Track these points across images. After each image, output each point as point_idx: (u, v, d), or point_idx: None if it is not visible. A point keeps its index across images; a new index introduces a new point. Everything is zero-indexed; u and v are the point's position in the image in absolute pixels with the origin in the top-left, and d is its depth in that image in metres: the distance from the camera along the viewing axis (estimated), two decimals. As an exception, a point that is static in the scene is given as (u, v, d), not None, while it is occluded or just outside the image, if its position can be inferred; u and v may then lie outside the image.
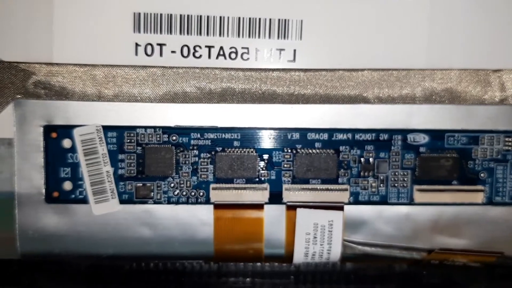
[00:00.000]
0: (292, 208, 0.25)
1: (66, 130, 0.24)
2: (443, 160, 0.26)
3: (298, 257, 0.25)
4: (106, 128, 0.24)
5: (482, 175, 0.26)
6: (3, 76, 0.23)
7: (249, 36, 0.24)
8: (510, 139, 0.26)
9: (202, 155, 0.25)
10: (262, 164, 0.25)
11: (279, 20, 0.24)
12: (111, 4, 0.24)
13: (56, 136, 0.24)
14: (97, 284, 0.26)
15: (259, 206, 0.25)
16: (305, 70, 0.25)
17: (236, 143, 0.25)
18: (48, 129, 0.24)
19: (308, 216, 0.25)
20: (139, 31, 0.24)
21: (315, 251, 0.25)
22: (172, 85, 0.24)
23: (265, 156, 0.25)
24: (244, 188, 0.25)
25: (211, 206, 0.25)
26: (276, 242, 0.26)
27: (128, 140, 0.24)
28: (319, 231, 0.25)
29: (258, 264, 0.26)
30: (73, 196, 0.24)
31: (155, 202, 0.25)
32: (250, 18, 0.24)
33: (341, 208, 0.25)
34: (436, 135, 0.25)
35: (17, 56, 0.24)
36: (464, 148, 0.26)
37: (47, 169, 0.24)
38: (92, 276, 0.26)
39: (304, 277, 0.27)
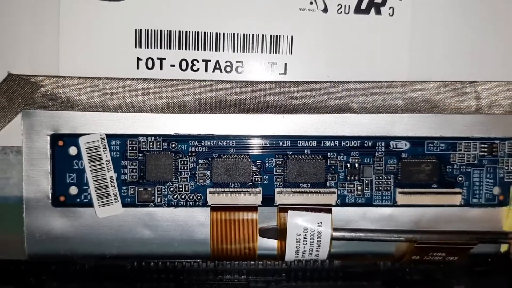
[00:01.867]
0: (283, 210, 0.27)
1: (72, 139, 0.26)
2: (424, 165, 0.28)
3: (290, 255, 0.27)
4: (110, 137, 0.26)
5: (460, 178, 0.28)
6: (12, 88, 0.25)
7: (243, 51, 0.26)
8: (485, 146, 0.28)
9: (199, 161, 0.27)
10: (255, 169, 0.27)
11: (271, 36, 0.26)
12: (115, 21, 0.25)
13: (62, 144, 0.26)
14: (101, 282, 0.28)
15: (253, 209, 0.27)
16: (296, 82, 0.26)
17: (231, 150, 0.27)
18: (55, 138, 0.26)
19: (298, 217, 0.26)
20: (141, 46, 0.26)
21: (305, 249, 0.27)
22: (172, 96, 0.26)
23: (258, 162, 0.27)
24: (239, 192, 0.27)
25: (208, 209, 0.27)
26: (269, 242, 0.27)
27: (130, 148, 0.26)
28: (309, 232, 0.26)
29: (252, 262, 0.28)
30: (78, 200, 0.26)
31: (155, 205, 0.27)
32: (244, 34, 0.26)
33: (329, 211, 0.27)
34: (417, 142, 0.27)
35: (26, 69, 0.25)
36: (443, 154, 0.28)
37: (54, 175, 0.26)
38: (96, 275, 0.27)
39: (295, 274, 0.29)
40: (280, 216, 0.27)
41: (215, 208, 0.27)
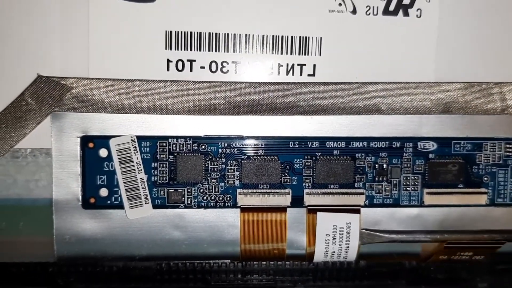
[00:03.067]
0: (312, 211, 0.27)
1: (102, 140, 0.26)
2: (450, 165, 0.28)
3: (319, 256, 0.27)
4: (140, 138, 0.26)
5: (485, 178, 0.28)
6: (41, 90, 0.25)
7: (273, 53, 0.26)
8: (510, 146, 0.28)
9: (229, 162, 0.27)
10: (284, 170, 0.27)
11: (300, 37, 0.26)
12: (145, 23, 0.25)
13: (93, 146, 0.26)
14: (129, 283, 0.28)
15: (282, 209, 0.27)
16: (324, 84, 0.27)
17: (260, 151, 0.27)
18: (85, 140, 0.26)
19: (327, 219, 0.27)
20: (171, 48, 0.26)
21: (334, 250, 0.27)
22: (202, 98, 0.26)
23: (288, 163, 0.27)
24: (268, 193, 0.27)
25: (238, 210, 0.27)
26: (298, 243, 0.28)
27: (161, 149, 0.26)
28: (337, 233, 0.27)
29: (280, 262, 0.28)
30: (109, 202, 0.26)
31: (185, 207, 0.27)
32: (273, 36, 0.26)
33: (358, 211, 0.27)
34: (444, 142, 0.28)
35: (55, 71, 0.25)
36: (469, 154, 0.28)
37: (84, 176, 0.26)
38: (123, 276, 0.28)
39: (321, 274, 0.29)
40: (309, 217, 0.27)
41: (244, 209, 0.27)
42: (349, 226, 0.27)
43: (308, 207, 0.27)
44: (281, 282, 0.29)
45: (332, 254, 0.27)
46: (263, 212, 0.27)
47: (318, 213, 0.27)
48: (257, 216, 0.27)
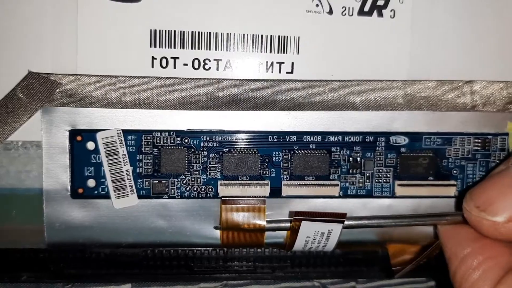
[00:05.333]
0: (297, 220, 0.28)
1: (90, 134, 0.28)
2: (421, 159, 0.30)
3: (297, 248, 0.30)
4: (126, 132, 0.28)
5: (454, 171, 0.31)
6: (32, 85, 0.27)
7: (253, 51, 0.28)
8: (479, 141, 0.31)
9: (211, 155, 0.29)
10: (264, 163, 0.29)
11: (279, 36, 0.28)
12: (131, 22, 0.27)
13: (81, 139, 0.28)
14: (116, 268, 0.30)
15: (262, 200, 0.29)
16: (302, 81, 0.29)
17: (241, 145, 0.29)
18: (74, 133, 0.28)
19: (311, 226, 0.29)
20: (155, 46, 0.28)
21: (311, 246, 0.29)
22: (185, 94, 0.28)
23: (266, 156, 0.29)
24: (248, 184, 0.29)
25: (219, 200, 0.29)
26: (278, 233, 0.30)
27: (146, 143, 0.28)
28: (318, 236, 0.29)
29: (259, 250, 0.31)
30: (96, 192, 0.28)
31: (169, 197, 0.29)
32: (253, 35, 0.28)
33: (342, 222, 0.29)
34: (415, 137, 0.30)
35: (45, 67, 0.27)
36: (439, 148, 0.30)
37: (73, 168, 0.28)
38: (111, 262, 0.30)
39: (299, 260, 0.31)
40: (294, 224, 0.29)
41: (225, 200, 0.29)
42: (330, 232, 0.29)
43: (294, 217, 0.28)
44: (260, 268, 0.31)
45: (310, 249, 0.30)
46: (243, 202, 0.29)
47: (303, 223, 0.28)
48: (237, 206, 0.29)
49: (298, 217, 0.28)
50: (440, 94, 0.30)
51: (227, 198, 0.29)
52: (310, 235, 0.29)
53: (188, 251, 0.30)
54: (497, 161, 0.31)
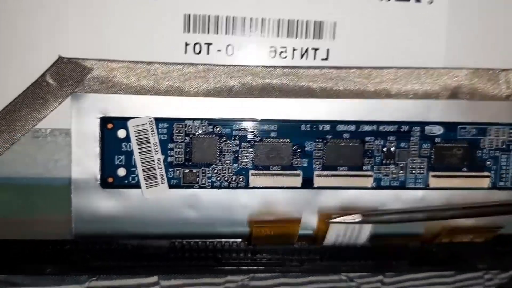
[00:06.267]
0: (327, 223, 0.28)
1: (121, 122, 0.27)
2: (455, 150, 0.30)
3: (327, 243, 0.30)
4: (158, 120, 0.28)
5: (488, 163, 0.30)
6: (62, 71, 0.27)
7: (288, 36, 0.28)
8: (514, 131, 0.30)
9: (242, 144, 0.29)
10: (296, 152, 0.29)
11: (315, 21, 0.28)
12: (164, 6, 0.27)
13: (112, 127, 0.27)
14: (142, 260, 0.30)
15: (296, 222, 0.29)
16: (337, 68, 0.28)
17: (273, 134, 0.29)
18: (105, 121, 0.27)
19: (341, 226, 0.29)
20: (189, 31, 0.27)
21: (343, 241, 0.29)
22: (218, 81, 0.28)
23: (299, 146, 0.29)
24: (280, 174, 0.29)
25: (250, 191, 0.29)
26: (307, 223, 0.30)
27: (177, 131, 0.28)
28: (348, 233, 0.29)
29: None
30: (126, 181, 0.28)
31: (200, 187, 0.29)
32: (289, 20, 0.28)
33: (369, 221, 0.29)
34: (450, 127, 0.30)
35: (76, 52, 0.27)
36: (473, 139, 0.30)
37: (103, 156, 0.28)
38: (138, 254, 0.30)
39: (328, 254, 0.31)
40: (320, 224, 0.29)
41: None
42: (360, 231, 0.29)
43: (328, 221, 0.28)
44: (289, 261, 0.31)
45: (341, 243, 0.29)
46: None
47: (330, 226, 0.28)
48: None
49: (330, 221, 0.28)
50: (475, 83, 0.30)
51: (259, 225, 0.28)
52: (340, 233, 0.29)
53: (216, 243, 0.30)
54: (531, 153, 0.31)
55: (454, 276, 0.35)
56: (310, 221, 0.30)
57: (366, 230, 0.29)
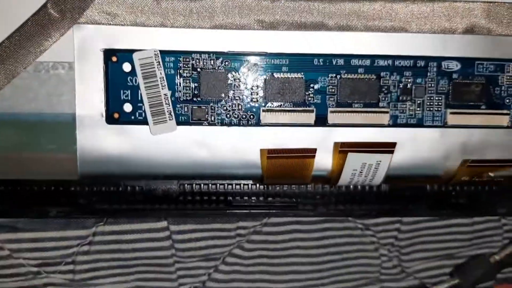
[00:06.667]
0: (343, 152, 0.27)
1: (126, 54, 0.26)
2: (473, 86, 0.29)
3: (342, 183, 0.28)
4: (164, 53, 0.27)
5: (507, 100, 0.29)
6: (65, 1, 0.26)
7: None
8: (533, 68, 0.29)
9: (252, 79, 0.28)
10: (309, 88, 0.28)
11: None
12: None
13: (116, 60, 0.26)
14: (151, 204, 0.29)
15: (311, 154, 0.27)
16: (351, 0, 0.27)
17: (284, 69, 0.28)
18: (109, 53, 0.26)
19: (358, 158, 0.27)
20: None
21: (358, 180, 0.28)
22: (227, 15, 0.27)
23: (312, 81, 0.28)
24: (292, 111, 0.28)
25: (262, 128, 0.28)
26: (321, 163, 0.29)
27: (184, 65, 0.27)
28: (365, 168, 0.27)
29: (302, 186, 0.30)
30: (133, 117, 0.27)
31: (209, 124, 0.28)
32: None
33: (391, 151, 0.27)
34: (467, 62, 0.29)
35: (78, -19, 0.26)
36: (491, 75, 0.29)
37: (108, 91, 0.27)
38: (146, 197, 0.29)
39: (344, 198, 0.30)
40: (339, 156, 0.27)
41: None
42: (379, 164, 0.27)
43: (340, 149, 0.27)
44: (302, 204, 0.30)
45: (356, 182, 0.28)
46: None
47: (349, 154, 0.27)
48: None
49: (344, 148, 0.27)
50: (492, 17, 0.28)
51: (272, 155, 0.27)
52: (357, 168, 0.27)
53: (227, 185, 0.29)
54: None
55: (472, 226, 0.34)
56: (325, 161, 0.29)
57: (383, 170, 0.28)
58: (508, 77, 0.29)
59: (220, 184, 0.29)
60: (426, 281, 0.35)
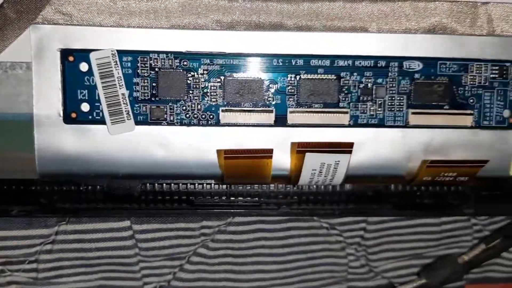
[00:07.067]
0: (301, 152, 0.26)
1: (83, 54, 0.27)
2: (436, 86, 0.29)
3: (303, 182, 0.28)
4: (121, 53, 0.27)
5: (471, 100, 0.29)
6: (21, 1, 0.26)
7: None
8: (496, 68, 0.29)
9: (211, 79, 0.28)
10: (268, 88, 0.28)
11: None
12: None
13: (73, 59, 0.27)
14: (113, 203, 0.29)
15: (268, 154, 0.27)
16: (310, 0, 0.27)
17: (243, 69, 0.28)
18: (65, 53, 0.26)
19: (316, 157, 0.27)
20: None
21: (318, 180, 0.28)
22: (184, 14, 0.27)
23: (271, 81, 0.28)
24: (252, 111, 0.28)
25: (221, 128, 0.28)
26: (282, 163, 0.29)
27: (142, 65, 0.27)
28: (325, 168, 0.27)
29: (265, 186, 0.30)
30: (90, 117, 0.27)
31: (168, 124, 0.28)
32: None
33: (349, 151, 0.27)
34: (430, 62, 0.29)
35: (35, -18, 0.26)
36: (455, 75, 0.29)
37: (65, 91, 0.27)
38: (108, 196, 0.29)
39: (306, 197, 0.30)
40: (297, 157, 0.27)
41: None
42: (337, 163, 0.27)
43: (297, 149, 0.27)
44: (265, 204, 0.30)
45: (317, 182, 0.28)
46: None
47: (307, 154, 0.27)
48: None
49: (301, 148, 0.26)
50: (455, 17, 0.28)
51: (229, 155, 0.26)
52: (316, 168, 0.27)
53: (190, 184, 0.29)
54: (516, 90, 0.29)
55: (440, 226, 0.34)
56: (286, 160, 0.29)
57: (342, 170, 0.28)
58: (471, 77, 0.29)
59: (182, 184, 0.29)
60: (394, 280, 0.35)
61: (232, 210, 0.30)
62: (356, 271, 0.34)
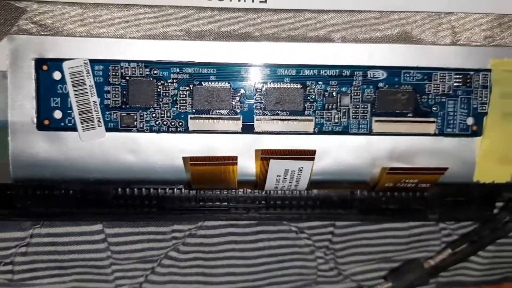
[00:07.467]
0: (265, 159, 0.27)
1: (56, 63, 0.28)
2: (400, 95, 0.30)
3: (269, 188, 0.29)
4: (93, 62, 0.28)
5: (434, 108, 0.30)
6: (-4, 12, 0.27)
7: (224, -22, 0.28)
8: (460, 77, 0.30)
9: (181, 88, 0.29)
10: (235, 97, 0.29)
11: (251, -37, 0.28)
12: None
13: (47, 68, 0.28)
14: (85, 207, 0.30)
15: (233, 161, 0.28)
16: (276, 11, 0.28)
17: (212, 78, 0.29)
18: (40, 62, 0.28)
19: (280, 164, 0.28)
20: (123, -28, 0.27)
21: (284, 185, 0.29)
22: (154, 24, 0.28)
23: (239, 90, 0.29)
24: (220, 119, 0.29)
25: (190, 135, 0.29)
26: (250, 170, 0.30)
27: (113, 73, 0.28)
28: (289, 174, 0.28)
29: (233, 191, 0.31)
30: (62, 124, 0.28)
31: (138, 130, 0.29)
32: (224, -38, 0.28)
33: (312, 158, 0.28)
34: (394, 71, 0.30)
35: (9, -7, 0.27)
36: (418, 84, 0.30)
37: (39, 99, 0.28)
38: (81, 200, 0.30)
39: (274, 202, 0.31)
40: (261, 164, 0.28)
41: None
42: (301, 170, 0.28)
43: (262, 156, 0.27)
44: (234, 209, 0.31)
45: (282, 187, 0.29)
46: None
47: (271, 161, 0.27)
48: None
49: (265, 155, 0.27)
50: (419, 26, 0.29)
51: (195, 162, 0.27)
52: (280, 174, 0.28)
53: (160, 190, 0.30)
54: (479, 99, 0.30)
55: (409, 230, 0.35)
56: (252, 166, 0.30)
57: (306, 176, 0.29)
58: (435, 85, 0.30)
59: (153, 189, 0.30)
60: (364, 283, 0.36)
61: (201, 215, 0.31)
62: (325, 274, 0.35)
